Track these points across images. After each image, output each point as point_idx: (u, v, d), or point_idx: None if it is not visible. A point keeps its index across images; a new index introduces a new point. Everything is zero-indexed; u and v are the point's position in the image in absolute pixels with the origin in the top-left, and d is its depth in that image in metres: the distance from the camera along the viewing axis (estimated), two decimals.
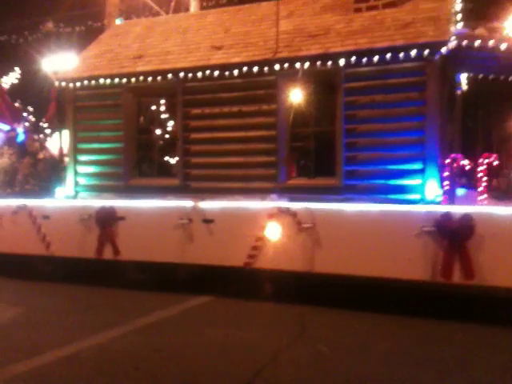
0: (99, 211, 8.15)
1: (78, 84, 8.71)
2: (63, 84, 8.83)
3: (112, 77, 8.43)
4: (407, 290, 6.54)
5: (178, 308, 6.55)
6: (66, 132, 11.80)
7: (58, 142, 11.54)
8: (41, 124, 12.96)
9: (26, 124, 12.40)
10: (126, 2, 13.22)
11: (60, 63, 11.27)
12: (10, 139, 11.31)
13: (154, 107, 8.58)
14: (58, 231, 8.39)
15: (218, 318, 6.13)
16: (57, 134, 11.57)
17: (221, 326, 5.76)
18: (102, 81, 8.52)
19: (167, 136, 8.52)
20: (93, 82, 8.60)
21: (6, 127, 12.08)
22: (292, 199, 6.99)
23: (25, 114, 12.48)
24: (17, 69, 13.37)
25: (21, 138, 11.88)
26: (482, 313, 6.10)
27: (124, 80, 8.36)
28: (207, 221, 7.39)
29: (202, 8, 12.76)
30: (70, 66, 10.60)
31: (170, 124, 8.46)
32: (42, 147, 11.72)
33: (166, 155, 8.54)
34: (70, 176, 9.01)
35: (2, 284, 8.25)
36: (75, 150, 8.97)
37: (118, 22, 10.53)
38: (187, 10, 12.79)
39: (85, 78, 8.65)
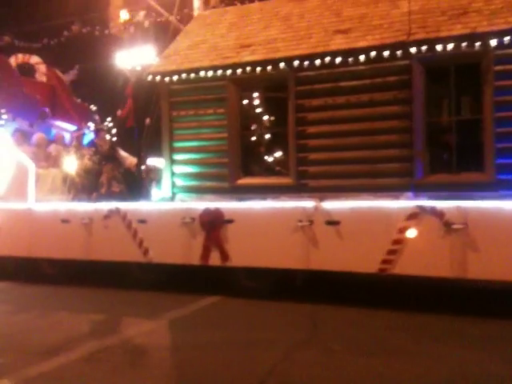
0: (204, 214, 7.56)
1: (175, 78, 8.08)
2: (157, 78, 8.20)
3: (215, 68, 7.78)
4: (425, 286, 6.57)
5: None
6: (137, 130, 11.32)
7: (131, 141, 10.98)
8: (106, 123, 12.39)
9: (93, 123, 11.84)
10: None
11: (135, 58, 10.63)
12: (77, 139, 10.73)
13: (259, 100, 7.91)
14: (157, 236, 7.82)
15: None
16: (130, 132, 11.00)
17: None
18: (202, 73, 7.87)
19: (276, 131, 7.85)
20: (192, 74, 7.96)
21: (72, 127, 11.52)
22: (430, 197, 6.31)
23: (93, 113, 11.86)
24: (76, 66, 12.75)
25: (88, 138, 11.31)
26: (500, 307, 6.05)
27: (228, 71, 7.70)
28: (332, 223, 6.74)
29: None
30: (149, 61, 10.03)
31: (279, 118, 7.79)
32: (113, 148, 11.10)
33: (276, 152, 7.87)
34: (166, 177, 8.38)
35: (92, 294, 7.71)
36: (171, 149, 8.33)
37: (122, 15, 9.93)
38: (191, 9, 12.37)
39: (182, 71, 8.01)
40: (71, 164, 9.30)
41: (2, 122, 9.77)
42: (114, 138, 12.09)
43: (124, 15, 12.26)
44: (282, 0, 8.82)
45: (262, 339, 5.23)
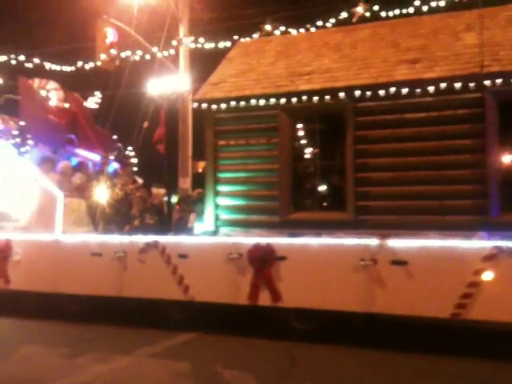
0: (253, 250, 7.07)
1: (223, 105, 7.71)
2: (204, 106, 7.82)
3: (267, 97, 7.43)
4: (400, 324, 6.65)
5: None
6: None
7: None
8: (127, 152, 11.91)
9: (116, 152, 11.36)
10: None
11: (167, 85, 10.27)
12: (102, 168, 10.25)
13: (313, 130, 7.56)
14: (200, 272, 7.29)
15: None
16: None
17: None
18: (253, 101, 7.52)
19: (331, 163, 7.47)
20: (242, 102, 7.60)
21: (97, 157, 11.03)
22: (505, 237, 5.94)
23: (116, 142, 11.39)
24: (97, 93, 12.33)
25: (112, 167, 10.82)
26: (474, 346, 6.11)
27: (282, 100, 7.36)
28: (398, 262, 6.31)
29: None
30: (183, 88, 9.70)
31: (334, 149, 7.44)
32: (133, 179, 10.60)
33: (331, 185, 7.48)
34: (209, 209, 7.89)
35: (128, 335, 7.10)
36: (215, 180, 7.89)
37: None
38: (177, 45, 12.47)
39: (231, 99, 7.65)
40: (102, 194, 8.78)
41: (27, 149, 9.24)
42: (135, 168, 11.62)
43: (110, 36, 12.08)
44: (329, 30, 8.62)
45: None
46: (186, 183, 12.56)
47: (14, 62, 9.94)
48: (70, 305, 8.42)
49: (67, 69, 10.79)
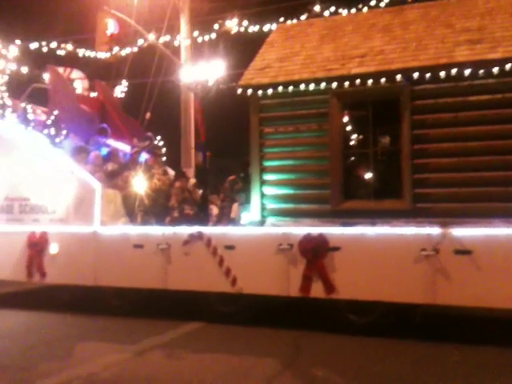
0: (304, 240, 6.86)
1: (270, 91, 7.41)
2: (249, 92, 7.51)
3: (318, 81, 7.13)
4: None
5: None
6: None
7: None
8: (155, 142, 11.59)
9: (147, 141, 11.04)
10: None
11: (201, 73, 9.96)
12: (133, 157, 9.97)
13: (365, 115, 7.25)
14: (248, 264, 7.08)
15: None
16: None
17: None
18: (302, 86, 7.22)
19: (385, 149, 7.18)
20: (290, 88, 7.30)
21: (126, 147, 10.74)
22: None
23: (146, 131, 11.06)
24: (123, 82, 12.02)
25: (142, 157, 10.53)
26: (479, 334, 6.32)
27: (334, 84, 7.05)
28: (463, 252, 6.07)
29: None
30: (219, 75, 9.41)
31: (389, 134, 7.14)
32: (164, 169, 10.31)
33: (385, 172, 7.18)
34: (255, 199, 7.62)
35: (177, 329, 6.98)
36: (261, 169, 7.60)
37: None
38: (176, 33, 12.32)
39: (279, 84, 7.34)
40: (139, 184, 8.51)
41: (61, 140, 8.96)
42: (164, 158, 11.31)
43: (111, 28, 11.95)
44: (375, 12, 8.30)
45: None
46: (188, 174, 12.31)
47: (45, 49, 9.60)
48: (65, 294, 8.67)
49: (102, 55, 10.46)
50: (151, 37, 12.42)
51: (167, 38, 12.72)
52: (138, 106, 12.68)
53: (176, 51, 13.27)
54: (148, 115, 12.03)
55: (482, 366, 5.32)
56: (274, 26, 9.79)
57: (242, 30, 10.55)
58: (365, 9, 8.20)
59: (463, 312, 6.77)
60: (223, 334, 6.68)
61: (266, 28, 10.43)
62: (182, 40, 12.91)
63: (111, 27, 12.92)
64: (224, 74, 10.07)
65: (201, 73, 9.98)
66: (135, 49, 12.54)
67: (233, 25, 9.88)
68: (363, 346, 6.02)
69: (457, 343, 6.03)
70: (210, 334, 6.77)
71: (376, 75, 6.83)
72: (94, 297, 8.19)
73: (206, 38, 11.64)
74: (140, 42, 12.57)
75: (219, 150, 15.97)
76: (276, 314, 7.33)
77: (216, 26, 11.24)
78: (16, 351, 5.88)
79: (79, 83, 11.76)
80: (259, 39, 8.99)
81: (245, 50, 10.12)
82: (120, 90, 12.05)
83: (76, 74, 11.89)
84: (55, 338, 6.49)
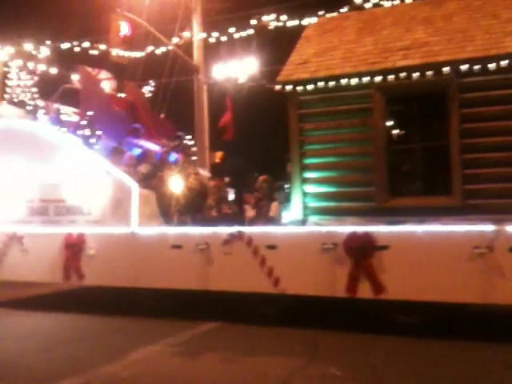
0: (350, 239, 6.66)
1: (310, 87, 7.25)
2: (288, 88, 7.36)
3: (360, 75, 6.95)
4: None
5: None
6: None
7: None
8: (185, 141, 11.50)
9: (176, 142, 10.96)
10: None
11: (233, 70, 9.82)
12: (162, 158, 9.86)
13: (410, 109, 7.05)
14: (290, 264, 6.91)
15: None
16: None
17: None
18: (344, 81, 7.05)
19: (432, 144, 6.97)
20: (331, 83, 7.13)
21: (157, 147, 10.65)
22: None
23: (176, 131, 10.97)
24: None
25: (173, 157, 10.43)
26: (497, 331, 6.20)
27: (377, 78, 6.87)
28: None
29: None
30: (251, 72, 9.27)
31: (435, 129, 6.93)
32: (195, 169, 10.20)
33: (433, 168, 6.98)
34: (296, 197, 7.46)
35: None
36: (302, 167, 7.44)
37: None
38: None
39: (319, 79, 7.18)
40: (176, 184, 8.39)
41: (95, 141, 8.90)
42: (194, 157, 11.22)
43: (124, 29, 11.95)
44: (413, 3, 8.08)
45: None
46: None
47: (77, 49, 9.55)
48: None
49: (137, 54, 10.38)
50: (173, 41, 12.28)
51: (184, 37, 12.62)
52: (152, 106, 12.62)
53: (189, 51, 13.19)
54: (162, 116, 11.94)
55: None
56: (290, 23, 9.61)
57: (272, 27, 10.36)
58: (406, 0, 7.95)
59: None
60: (240, 334, 6.65)
61: (291, 25, 10.29)
62: (195, 40, 12.74)
63: (124, 29, 12.93)
64: (255, 72, 9.91)
65: (230, 71, 9.81)
66: (156, 51, 12.45)
67: (267, 21, 9.68)
68: (381, 345, 5.94)
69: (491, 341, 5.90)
70: (228, 333, 6.73)
71: (422, 68, 6.63)
72: (110, 297, 8.15)
73: (223, 38, 11.51)
74: (162, 49, 12.46)
75: (234, 150, 15.87)
76: (292, 312, 7.19)
77: (231, 29, 11.09)
78: (34, 351, 5.88)
79: (107, 84, 11.72)
80: (281, 38, 8.83)
81: (271, 48, 9.97)
82: (148, 90, 11.96)
83: (104, 74, 11.85)
84: (73, 338, 6.49)
